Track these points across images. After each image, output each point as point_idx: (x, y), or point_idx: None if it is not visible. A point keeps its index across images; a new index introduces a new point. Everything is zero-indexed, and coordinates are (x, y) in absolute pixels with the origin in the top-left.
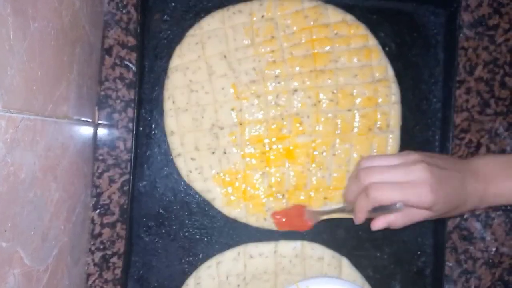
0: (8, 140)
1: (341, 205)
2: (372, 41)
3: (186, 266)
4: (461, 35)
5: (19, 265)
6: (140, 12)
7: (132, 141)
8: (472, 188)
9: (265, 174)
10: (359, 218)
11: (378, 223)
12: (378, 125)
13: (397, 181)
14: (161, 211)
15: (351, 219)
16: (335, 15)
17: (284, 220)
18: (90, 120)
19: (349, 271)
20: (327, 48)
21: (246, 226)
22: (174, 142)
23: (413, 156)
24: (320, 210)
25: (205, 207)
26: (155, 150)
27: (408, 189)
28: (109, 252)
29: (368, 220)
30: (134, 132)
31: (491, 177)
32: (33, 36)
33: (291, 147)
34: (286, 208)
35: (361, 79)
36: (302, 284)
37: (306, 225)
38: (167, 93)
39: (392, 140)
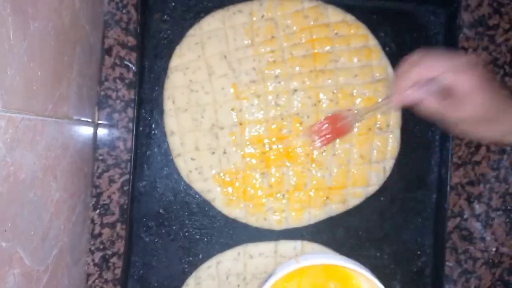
0: (8, 140)
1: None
2: (372, 41)
3: (186, 266)
4: (461, 35)
5: (19, 265)
6: (140, 12)
7: (132, 141)
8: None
9: (265, 174)
10: (399, 93)
11: (415, 88)
12: (378, 125)
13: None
14: (161, 211)
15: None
16: (335, 15)
17: (328, 132)
18: (90, 120)
19: None
20: (327, 48)
21: (246, 226)
22: (174, 142)
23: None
24: (360, 110)
25: (205, 207)
26: (155, 150)
27: (455, 66)
28: (109, 252)
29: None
30: (134, 132)
31: None
32: (33, 36)
33: (291, 147)
34: (323, 121)
35: (361, 79)
36: (301, 258)
37: (346, 129)
38: (167, 93)
39: (392, 140)
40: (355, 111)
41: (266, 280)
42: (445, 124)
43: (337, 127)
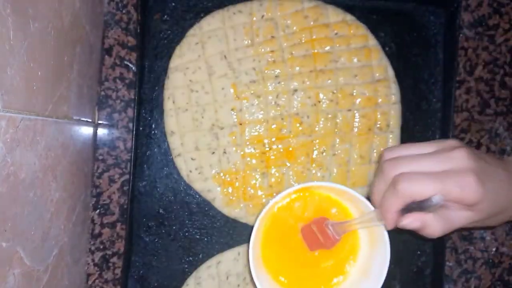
0: (8, 140)
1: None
2: (372, 41)
3: (186, 266)
4: (461, 35)
5: (19, 265)
6: (140, 12)
7: (132, 141)
8: None
9: (265, 174)
10: (389, 220)
11: (409, 218)
12: (378, 125)
13: (433, 171)
14: (161, 211)
15: None
16: (335, 15)
17: (310, 239)
18: (90, 120)
19: None
20: (327, 48)
21: (246, 226)
22: (174, 142)
23: (451, 142)
24: (344, 222)
25: (205, 207)
26: (155, 150)
27: (448, 178)
28: (109, 252)
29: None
30: (134, 132)
31: None
32: (33, 36)
33: (291, 147)
34: (307, 226)
35: (361, 79)
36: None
37: (331, 242)
38: (167, 93)
39: (392, 140)
40: (340, 222)
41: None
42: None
43: (326, 238)
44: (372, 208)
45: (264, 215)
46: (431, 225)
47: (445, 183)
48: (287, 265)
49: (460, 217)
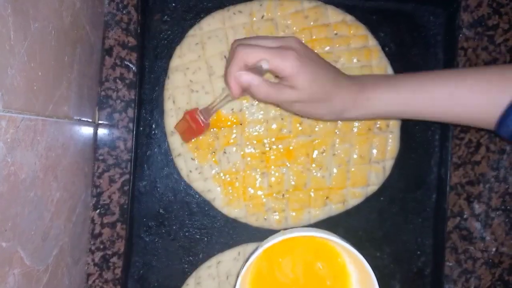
0: (9, 140)
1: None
2: (372, 41)
3: (186, 265)
4: (460, 35)
5: (19, 265)
6: (140, 13)
7: (133, 141)
8: (346, 86)
9: (265, 174)
10: (232, 87)
11: (243, 75)
12: (377, 125)
13: (267, 46)
14: (161, 211)
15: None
16: (335, 15)
17: (184, 131)
18: (90, 120)
19: None
20: (327, 48)
21: (246, 226)
22: (174, 142)
23: (291, 37)
24: (209, 106)
25: (205, 207)
26: (155, 150)
27: (275, 51)
28: (109, 252)
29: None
30: (135, 132)
31: (369, 84)
32: (33, 36)
33: (291, 147)
34: (181, 120)
35: None
36: (288, 231)
37: (202, 127)
38: (167, 93)
39: (392, 140)
40: (206, 107)
41: (253, 252)
42: (282, 107)
43: (194, 125)
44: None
45: (245, 272)
46: (258, 85)
47: (272, 53)
48: None
49: (284, 92)
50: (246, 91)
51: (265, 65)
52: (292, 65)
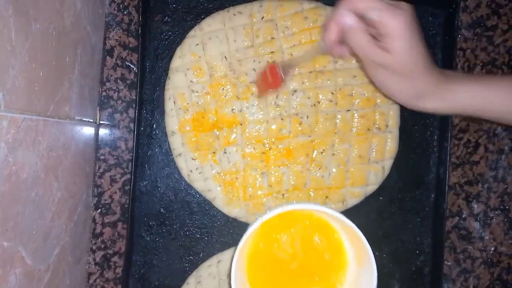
0: (10, 140)
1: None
2: None
3: (186, 265)
4: (459, 36)
5: (21, 265)
6: (141, 14)
7: (133, 141)
8: (434, 70)
9: (265, 174)
10: (330, 29)
11: (347, 16)
12: (376, 125)
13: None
14: (162, 210)
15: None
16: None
17: (260, 83)
18: (91, 120)
19: None
20: None
21: (246, 226)
22: (175, 142)
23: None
24: (291, 59)
25: (205, 207)
26: (156, 150)
27: (387, 5)
28: (110, 251)
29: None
30: (135, 132)
31: (456, 76)
32: (35, 37)
33: (291, 147)
34: (261, 73)
35: (360, 79)
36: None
37: (278, 81)
38: (168, 94)
39: (391, 140)
40: (287, 60)
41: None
42: (366, 68)
43: (274, 79)
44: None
45: (243, 246)
46: (359, 32)
47: (384, 5)
48: None
49: (378, 52)
50: (341, 39)
51: (374, 15)
52: (400, 24)
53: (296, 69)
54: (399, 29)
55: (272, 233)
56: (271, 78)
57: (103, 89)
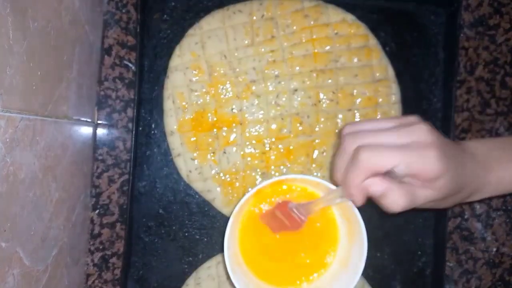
0: (8, 140)
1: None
2: (373, 41)
3: (186, 266)
4: (461, 34)
5: (19, 265)
6: (139, 12)
7: (132, 141)
8: (471, 170)
9: (265, 174)
10: (355, 196)
11: (374, 182)
12: None
13: (394, 143)
14: (160, 211)
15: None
16: (335, 14)
17: (273, 225)
18: (89, 120)
19: None
20: (327, 47)
21: None
22: (174, 142)
23: (410, 117)
24: (308, 203)
25: (205, 207)
26: (155, 150)
27: (409, 151)
28: (108, 253)
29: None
30: (134, 132)
31: (491, 160)
32: (32, 35)
33: (291, 147)
34: (270, 210)
35: (361, 79)
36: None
37: (299, 223)
38: (167, 93)
39: None
40: (306, 202)
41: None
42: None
43: (287, 220)
44: (352, 206)
45: (238, 211)
46: (394, 193)
47: (407, 155)
48: (267, 260)
49: (420, 194)
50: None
51: (403, 171)
52: (434, 168)
53: (297, 68)
54: (436, 172)
55: (267, 204)
56: (288, 222)
57: (101, 88)
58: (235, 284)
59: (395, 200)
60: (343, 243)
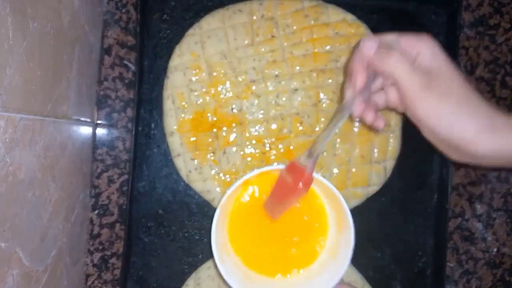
0: (7, 140)
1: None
2: None
3: (185, 266)
4: (462, 34)
5: (18, 266)
6: (139, 12)
7: (132, 141)
8: (477, 102)
9: None
10: (356, 82)
11: (391, 57)
12: None
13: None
14: (160, 211)
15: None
16: (335, 14)
17: (279, 195)
18: (89, 120)
19: (349, 271)
20: (328, 47)
21: None
22: (174, 142)
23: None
24: (312, 147)
25: (204, 208)
26: (155, 150)
27: (407, 33)
28: (108, 253)
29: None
30: (134, 132)
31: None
32: (32, 35)
33: (291, 147)
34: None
35: None
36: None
37: (308, 179)
38: (166, 93)
39: (393, 140)
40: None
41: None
42: (412, 105)
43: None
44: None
45: (225, 202)
46: (395, 55)
47: (404, 34)
48: (257, 250)
49: (415, 79)
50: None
51: (395, 41)
52: (428, 44)
53: (297, 68)
54: (430, 47)
55: (255, 194)
56: (291, 178)
57: (101, 88)
58: (222, 273)
59: (397, 61)
60: (332, 233)
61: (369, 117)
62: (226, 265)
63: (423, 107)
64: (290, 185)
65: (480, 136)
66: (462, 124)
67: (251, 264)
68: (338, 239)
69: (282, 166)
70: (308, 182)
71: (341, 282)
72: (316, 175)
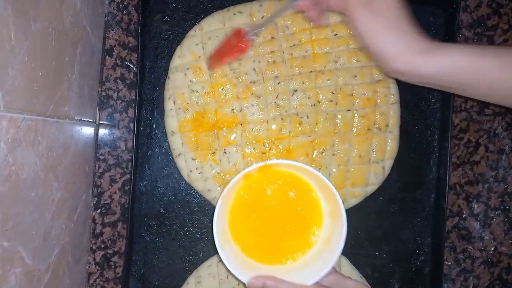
0: (10, 140)
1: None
2: None
3: (186, 265)
4: (460, 35)
5: (21, 265)
6: (140, 13)
7: (133, 141)
8: (411, 29)
9: None
10: None
11: None
12: (377, 125)
13: None
14: (162, 210)
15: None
16: (334, 16)
17: (222, 51)
18: (91, 120)
19: (348, 269)
20: (327, 49)
21: None
22: (175, 142)
23: None
24: (258, 22)
25: (205, 207)
26: (156, 150)
27: None
28: (110, 251)
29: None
30: (135, 132)
31: (433, 44)
32: (34, 36)
33: (291, 147)
34: (222, 41)
35: (360, 79)
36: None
37: (245, 44)
38: (167, 93)
39: (391, 140)
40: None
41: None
42: (351, 14)
43: (240, 42)
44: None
45: (226, 194)
46: None
47: None
48: (255, 239)
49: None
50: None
51: None
52: None
53: (296, 69)
54: None
55: (255, 187)
56: (236, 42)
57: (102, 89)
58: (223, 259)
59: None
60: (326, 224)
61: (312, 14)
62: (226, 252)
63: (359, 23)
64: (233, 45)
65: (403, 55)
66: (388, 42)
67: (250, 252)
68: (332, 230)
69: (281, 161)
70: (246, 45)
71: (333, 270)
72: (312, 169)
